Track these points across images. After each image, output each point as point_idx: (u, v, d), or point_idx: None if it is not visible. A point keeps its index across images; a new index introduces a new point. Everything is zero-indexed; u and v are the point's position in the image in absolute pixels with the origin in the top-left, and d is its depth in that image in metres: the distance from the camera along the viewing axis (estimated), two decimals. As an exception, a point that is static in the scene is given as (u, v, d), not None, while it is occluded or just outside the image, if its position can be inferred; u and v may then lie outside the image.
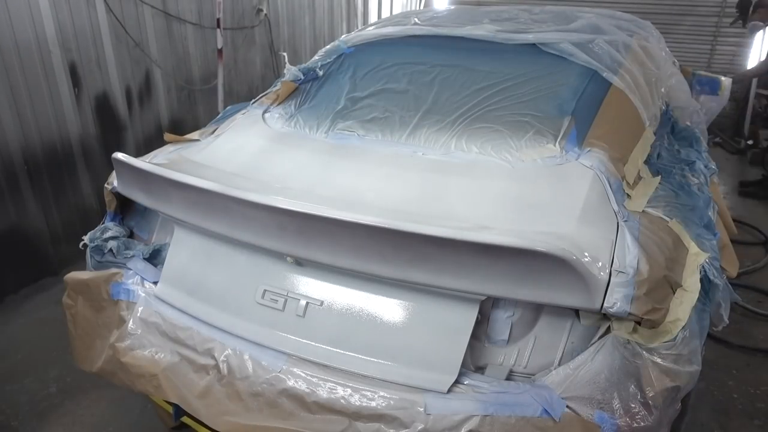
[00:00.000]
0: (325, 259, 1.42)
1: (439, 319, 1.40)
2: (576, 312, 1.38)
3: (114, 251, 1.83)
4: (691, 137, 2.26)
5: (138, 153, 2.01)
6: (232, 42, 4.85)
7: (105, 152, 3.65)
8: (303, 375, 1.43)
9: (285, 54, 2.74)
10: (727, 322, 1.51)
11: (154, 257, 1.85)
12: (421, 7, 8.53)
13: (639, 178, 1.73)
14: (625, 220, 1.45)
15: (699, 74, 3.56)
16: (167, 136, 2.12)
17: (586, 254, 1.29)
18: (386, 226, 1.27)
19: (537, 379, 1.36)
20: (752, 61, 6.37)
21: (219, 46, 4.39)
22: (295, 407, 1.41)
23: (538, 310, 1.42)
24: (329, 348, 1.47)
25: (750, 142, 6.13)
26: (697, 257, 1.45)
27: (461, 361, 1.36)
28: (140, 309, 1.70)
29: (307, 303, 1.50)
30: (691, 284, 1.38)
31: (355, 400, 1.36)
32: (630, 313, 1.26)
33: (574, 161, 1.67)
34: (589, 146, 1.72)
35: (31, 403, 2.43)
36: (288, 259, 1.49)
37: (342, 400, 1.37)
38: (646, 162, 1.81)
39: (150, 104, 4.07)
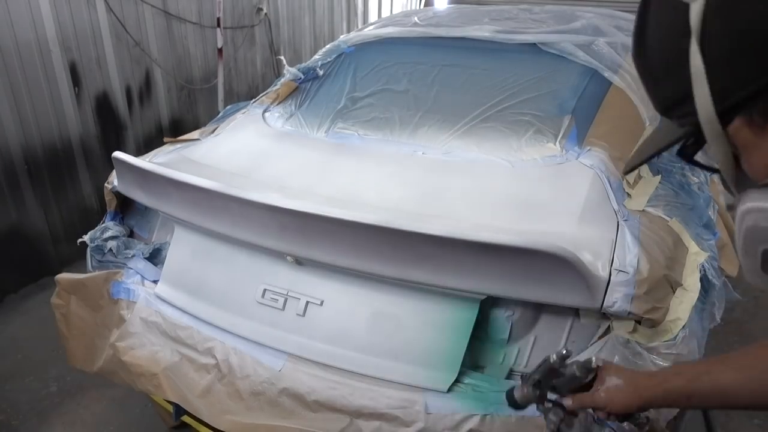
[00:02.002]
0: (325, 258, 1.42)
1: (439, 318, 1.40)
2: (576, 311, 1.38)
3: (114, 251, 1.83)
4: (691, 136, 2.25)
5: (138, 152, 2.01)
6: (232, 41, 4.85)
7: (105, 152, 3.65)
8: (303, 374, 1.43)
9: (283, 57, 2.74)
10: (719, 321, 1.50)
11: (155, 256, 1.85)
12: (421, 7, 8.52)
13: (639, 177, 1.72)
14: (626, 220, 1.45)
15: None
16: (167, 140, 2.12)
17: (587, 253, 1.29)
18: (386, 225, 1.27)
19: (537, 378, 1.36)
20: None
21: (219, 46, 4.40)
22: (295, 406, 1.41)
23: (538, 309, 1.42)
24: (329, 347, 1.47)
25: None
26: (697, 256, 1.45)
27: (461, 360, 1.36)
28: (140, 308, 1.70)
29: (307, 302, 1.50)
30: (692, 283, 1.38)
31: (356, 398, 1.36)
32: (630, 312, 1.26)
33: (575, 160, 1.67)
34: (589, 145, 1.72)
35: (32, 402, 2.43)
36: (288, 258, 1.50)
37: (342, 399, 1.37)
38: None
39: (150, 103, 4.07)
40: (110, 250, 1.84)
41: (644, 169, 1.76)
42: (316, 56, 2.45)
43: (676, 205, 1.61)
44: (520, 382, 1.06)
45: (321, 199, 1.55)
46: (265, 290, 1.55)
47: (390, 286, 1.43)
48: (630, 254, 1.33)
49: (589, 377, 0.98)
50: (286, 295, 1.53)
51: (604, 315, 1.32)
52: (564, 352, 0.99)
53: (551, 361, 0.99)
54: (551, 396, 1.03)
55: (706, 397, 0.86)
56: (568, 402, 1.00)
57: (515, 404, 1.07)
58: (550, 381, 1.02)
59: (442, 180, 1.66)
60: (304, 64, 2.41)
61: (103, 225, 1.90)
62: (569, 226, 1.40)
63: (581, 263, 1.21)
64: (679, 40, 0.53)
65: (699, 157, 0.68)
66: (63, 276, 1.83)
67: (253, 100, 2.35)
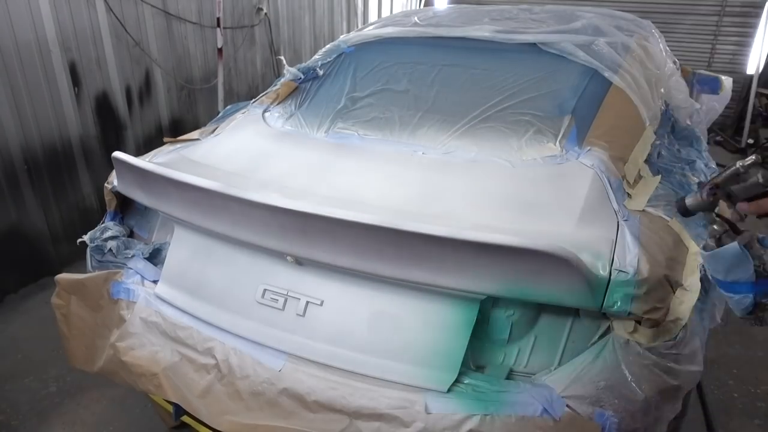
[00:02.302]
0: (325, 258, 1.42)
1: (439, 318, 1.40)
2: (576, 311, 1.38)
3: (114, 251, 1.83)
4: (691, 136, 2.26)
5: (138, 152, 2.01)
6: (232, 41, 4.85)
7: (105, 152, 3.65)
8: (303, 374, 1.43)
9: (283, 57, 2.75)
10: (720, 321, 1.50)
11: (155, 256, 1.85)
12: (421, 7, 8.52)
13: (639, 177, 1.72)
14: (626, 220, 1.45)
15: (699, 73, 3.56)
16: (166, 140, 2.12)
17: (587, 253, 1.29)
18: (386, 225, 1.27)
19: (537, 379, 1.36)
20: (752, 62, 6.35)
21: (219, 45, 4.40)
22: (295, 406, 1.41)
23: (538, 309, 1.42)
24: (329, 347, 1.47)
25: (750, 141, 6.14)
26: (697, 256, 1.45)
27: (461, 361, 1.36)
28: (140, 308, 1.70)
29: (307, 302, 1.50)
30: (692, 284, 1.38)
31: (355, 399, 1.36)
32: (630, 313, 1.26)
33: (575, 160, 1.67)
34: (589, 145, 1.72)
35: (32, 402, 2.43)
36: (288, 258, 1.49)
37: (342, 399, 1.37)
38: (646, 161, 1.82)
39: (150, 103, 4.07)
40: (110, 250, 1.84)
41: (644, 169, 1.76)
42: (316, 56, 2.45)
43: (676, 205, 1.61)
44: (695, 189, 1.15)
45: (321, 199, 1.55)
46: (265, 290, 1.55)
47: (390, 286, 1.43)
48: (630, 254, 1.33)
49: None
50: (286, 295, 1.53)
51: (604, 315, 1.32)
52: (753, 159, 1.05)
53: (738, 166, 1.08)
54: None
55: None
56: (744, 207, 1.06)
57: (685, 211, 1.19)
58: (729, 187, 1.09)
59: (442, 180, 1.66)
60: (304, 64, 2.41)
61: (103, 225, 1.90)
62: (569, 226, 1.40)
63: (581, 263, 1.21)
64: None
65: None
66: (63, 276, 1.83)
67: (253, 100, 2.35)
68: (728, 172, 1.11)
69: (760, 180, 1.05)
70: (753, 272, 1.08)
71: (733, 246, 1.09)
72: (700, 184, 1.16)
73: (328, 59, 2.37)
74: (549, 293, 1.27)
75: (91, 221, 2.51)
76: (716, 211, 1.11)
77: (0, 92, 2.96)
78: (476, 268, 1.28)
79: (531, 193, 1.56)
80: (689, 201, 1.19)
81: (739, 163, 1.07)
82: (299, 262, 1.50)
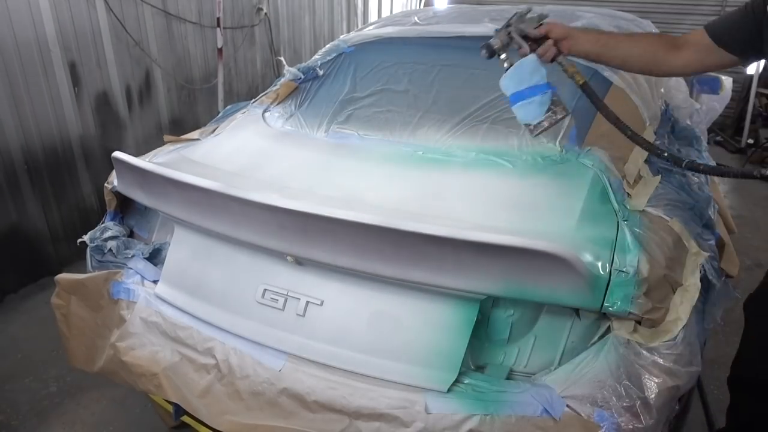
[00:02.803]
0: (325, 258, 1.42)
1: (439, 318, 1.40)
2: (576, 311, 1.38)
3: (114, 251, 1.83)
4: (691, 136, 2.25)
5: (138, 152, 2.01)
6: (232, 41, 4.85)
7: (105, 152, 3.65)
8: (303, 374, 1.43)
9: (283, 57, 2.75)
10: (720, 322, 1.50)
11: (155, 256, 1.85)
12: (421, 7, 8.52)
13: (639, 177, 1.72)
14: (626, 220, 1.45)
15: (699, 73, 3.55)
16: (166, 137, 2.12)
17: (587, 253, 1.29)
18: (386, 225, 1.27)
19: (537, 379, 1.36)
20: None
21: (219, 45, 4.39)
22: (295, 406, 1.41)
23: (538, 309, 1.42)
24: (329, 347, 1.47)
25: (750, 141, 6.14)
26: (697, 257, 1.45)
27: (461, 361, 1.36)
28: (140, 308, 1.70)
29: (307, 302, 1.50)
30: (692, 283, 1.38)
31: (355, 399, 1.36)
32: (630, 313, 1.26)
33: (575, 160, 1.67)
34: (589, 145, 1.72)
35: (31, 402, 2.43)
36: (288, 258, 1.49)
37: (342, 399, 1.37)
38: (646, 161, 1.82)
39: (150, 103, 4.07)
40: (110, 250, 1.84)
41: (644, 169, 1.76)
42: (316, 56, 2.45)
43: (676, 205, 1.61)
44: (494, 32, 1.49)
45: (321, 199, 1.55)
46: (265, 290, 1.55)
47: (390, 286, 1.43)
48: (630, 254, 1.33)
49: (543, 21, 1.49)
50: (286, 295, 1.53)
51: (604, 315, 1.32)
52: (527, 7, 1.50)
53: (520, 10, 1.48)
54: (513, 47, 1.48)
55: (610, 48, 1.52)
56: (533, 32, 1.46)
57: (491, 53, 1.49)
58: (519, 26, 1.46)
59: (442, 180, 1.66)
60: (304, 64, 2.41)
61: (103, 225, 1.90)
62: (569, 226, 1.40)
63: (581, 263, 1.21)
64: None
65: None
66: (63, 276, 1.83)
67: (253, 100, 2.35)
68: (515, 16, 1.47)
69: (536, 15, 1.48)
70: (545, 74, 1.44)
71: (530, 56, 1.45)
72: (497, 30, 1.48)
73: (328, 59, 2.37)
74: (549, 293, 1.27)
75: (91, 221, 2.51)
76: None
77: (0, 92, 2.96)
78: (476, 268, 1.28)
79: (531, 192, 1.57)
80: (495, 42, 1.47)
81: (516, 11, 1.46)
82: (299, 262, 1.50)
